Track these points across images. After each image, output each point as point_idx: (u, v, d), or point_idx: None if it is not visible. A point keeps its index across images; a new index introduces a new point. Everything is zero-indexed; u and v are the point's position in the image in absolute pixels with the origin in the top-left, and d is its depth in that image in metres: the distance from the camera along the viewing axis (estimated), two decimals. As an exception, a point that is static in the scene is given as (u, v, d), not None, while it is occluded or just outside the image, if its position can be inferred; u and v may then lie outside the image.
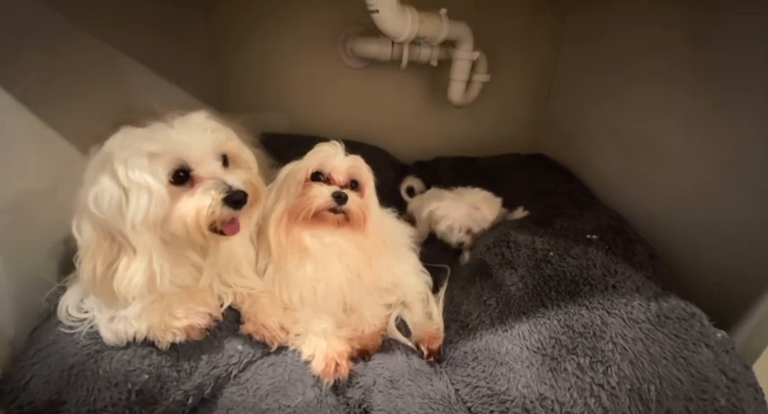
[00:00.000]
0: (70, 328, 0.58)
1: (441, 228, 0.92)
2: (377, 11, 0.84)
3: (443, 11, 0.98)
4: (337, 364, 0.62)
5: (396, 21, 0.87)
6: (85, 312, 0.59)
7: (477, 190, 0.99)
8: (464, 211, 0.90)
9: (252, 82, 1.27)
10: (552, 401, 0.54)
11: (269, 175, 0.94)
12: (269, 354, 0.65)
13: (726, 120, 0.73)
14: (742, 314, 0.63)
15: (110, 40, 0.83)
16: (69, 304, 0.59)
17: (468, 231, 0.91)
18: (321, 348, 0.64)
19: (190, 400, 0.57)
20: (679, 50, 0.82)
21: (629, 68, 0.96)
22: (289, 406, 0.57)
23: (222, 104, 1.24)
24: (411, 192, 1.14)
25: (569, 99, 1.24)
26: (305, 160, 0.72)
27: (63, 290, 0.61)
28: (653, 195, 0.87)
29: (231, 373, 0.61)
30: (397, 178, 1.18)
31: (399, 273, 0.78)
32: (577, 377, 0.55)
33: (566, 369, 0.56)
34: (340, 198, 0.68)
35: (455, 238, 0.91)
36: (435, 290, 0.81)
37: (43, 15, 0.67)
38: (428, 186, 1.12)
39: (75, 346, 0.57)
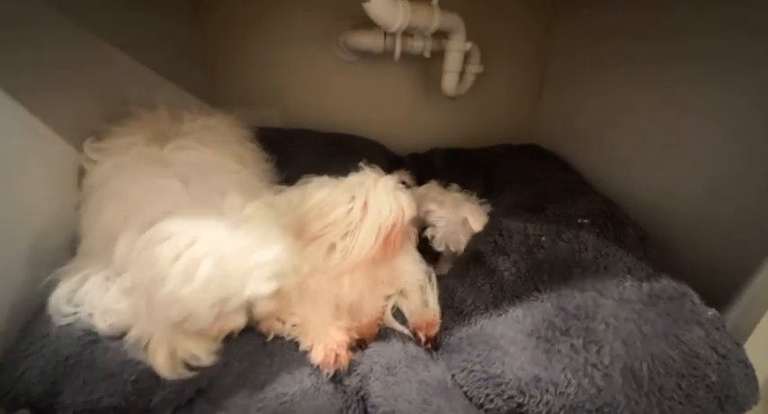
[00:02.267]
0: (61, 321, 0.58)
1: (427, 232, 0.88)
2: (368, 0, 0.84)
3: (435, 1, 0.98)
4: (337, 355, 0.62)
5: (387, 9, 0.87)
6: (76, 306, 0.59)
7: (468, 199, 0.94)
8: (453, 228, 0.85)
9: (245, 77, 1.26)
10: (547, 382, 0.54)
11: (263, 168, 0.94)
12: (265, 344, 0.65)
13: (719, 107, 0.73)
14: (733, 295, 0.64)
15: (104, 35, 0.82)
16: (60, 298, 0.59)
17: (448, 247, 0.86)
18: (320, 339, 0.64)
19: (186, 390, 0.57)
20: (674, 39, 0.83)
21: (624, 61, 0.96)
22: (285, 394, 0.58)
23: (216, 99, 1.24)
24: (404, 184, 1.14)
25: (563, 90, 1.24)
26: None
27: (54, 283, 0.61)
28: (646, 183, 0.88)
29: (229, 364, 0.60)
30: (392, 171, 1.17)
31: (399, 263, 0.78)
32: (571, 358, 0.55)
33: (559, 350, 0.56)
34: None
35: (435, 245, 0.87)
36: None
37: (37, 10, 0.67)
38: (421, 178, 1.12)
39: (70, 338, 0.57)
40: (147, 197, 0.60)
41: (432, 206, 0.87)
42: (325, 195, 0.69)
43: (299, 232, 0.69)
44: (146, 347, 0.55)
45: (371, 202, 0.67)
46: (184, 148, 0.74)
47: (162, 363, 0.54)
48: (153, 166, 0.69)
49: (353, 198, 0.68)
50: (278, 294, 0.61)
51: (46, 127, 0.68)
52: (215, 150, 0.77)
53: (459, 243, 0.85)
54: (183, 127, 0.80)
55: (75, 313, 0.59)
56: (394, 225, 0.68)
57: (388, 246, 0.69)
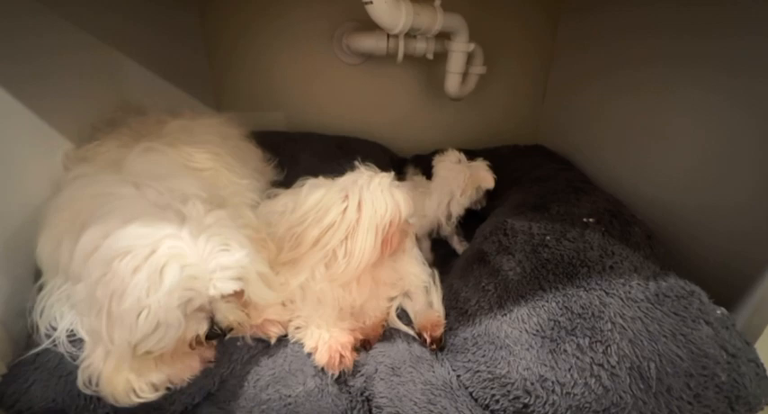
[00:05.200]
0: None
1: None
2: (371, 2, 0.84)
3: (437, 2, 0.98)
4: (341, 356, 0.62)
5: (390, 12, 0.87)
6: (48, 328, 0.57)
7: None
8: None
9: (248, 79, 1.27)
10: (553, 382, 0.54)
11: (262, 169, 0.94)
12: (269, 346, 0.65)
13: (723, 104, 0.72)
14: (743, 293, 0.63)
15: (106, 38, 0.83)
16: (37, 316, 0.57)
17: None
18: (324, 340, 0.64)
19: (195, 400, 0.58)
20: (676, 36, 0.82)
21: (629, 61, 0.95)
22: (290, 396, 0.58)
23: (218, 102, 1.25)
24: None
25: (566, 90, 1.23)
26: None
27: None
28: (652, 181, 0.87)
29: (234, 368, 0.61)
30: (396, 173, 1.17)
31: (403, 265, 0.78)
32: (577, 358, 0.55)
33: (565, 350, 0.56)
34: None
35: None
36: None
37: (38, 13, 0.68)
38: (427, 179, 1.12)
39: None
40: (99, 205, 0.57)
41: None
42: (319, 197, 0.68)
43: (297, 239, 0.68)
44: (100, 375, 0.53)
45: (366, 201, 0.66)
46: (149, 150, 0.71)
47: (120, 391, 0.52)
48: (107, 171, 0.66)
49: (347, 197, 0.67)
50: (242, 303, 0.60)
51: (52, 129, 0.69)
52: (187, 150, 0.75)
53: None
54: (164, 130, 0.79)
55: (50, 336, 0.57)
56: (391, 223, 0.67)
57: (385, 245, 0.68)
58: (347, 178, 0.71)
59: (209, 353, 0.60)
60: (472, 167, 0.95)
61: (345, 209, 0.66)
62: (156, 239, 0.52)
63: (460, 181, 0.93)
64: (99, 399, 0.53)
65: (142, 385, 0.54)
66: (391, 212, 0.66)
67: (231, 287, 0.55)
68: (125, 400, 0.53)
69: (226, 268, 0.54)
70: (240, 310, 0.60)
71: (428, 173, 1.08)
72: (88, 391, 0.53)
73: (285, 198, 0.76)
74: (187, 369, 0.57)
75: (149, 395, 0.54)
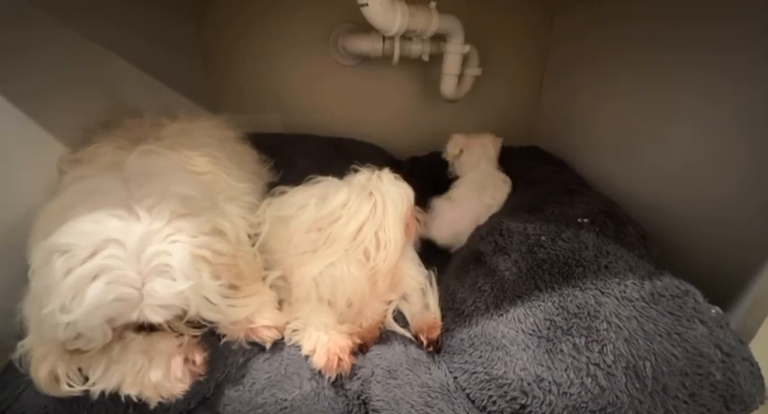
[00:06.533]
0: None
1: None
2: (366, 4, 0.84)
3: (433, 4, 0.99)
4: (340, 359, 0.62)
5: (385, 14, 0.87)
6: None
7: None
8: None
9: (245, 82, 1.27)
10: (549, 382, 0.54)
11: (251, 169, 0.93)
12: (264, 350, 0.65)
13: (715, 103, 0.73)
14: (738, 293, 0.63)
15: (101, 42, 0.83)
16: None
17: None
18: (322, 343, 0.63)
19: (191, 405, 0.57)
20: (667, 40, 0.83)
21: (620, 59, 0.96)
22: (285, 399, 0.57)
23: (215, 104, 1.25)
24: None
25: (561, 91, 1.24)
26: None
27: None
28: (647, 182, 0.87)
29: (229, 373, 0.61)
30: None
31: (400, 267, 0.78)
32: (573, 357, 0.55)
33: (562, 350, 0.56)
34: None
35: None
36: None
37: (35, 17, 0.68)
38: (422, 181, 1.12)
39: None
40: (81, 197, 0.55)
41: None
42: (346, 197, 0.73)
43: (331, 237, 0.71)
44: (30, 360, 0.51)
45: (386, 195, 0.72)
46: (149, 152, 0.69)
47: (43, 379, 0.50)
48: (106, 174, 0.63)
49: (372, 194, 0.72)
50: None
51: (45, 132, 0.69)
52: (187, 154, 0.75)
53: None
54: (162, 132, 0.78)
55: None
56: (407, 210, 0.74)
57: (407, 230, 0.74)
58: (358, 178, 0.76)
59: (200, 368, 0.58)
60: (481, 137, 1.10)
61: (374, 204, 0.71)
62: (100, 241, 0.49)
63: (489, 143, 1.07)
64: (92, 405, 0.52)
65: (70, 374, 0.52)
66: (406, 201, 0.74)
67: (161, 317, 0.52)
68: (49, 388, 0.51)
69: (159, 297, 0.51)
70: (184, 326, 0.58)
71: (425, 177, 1.09)
72: (21, 370, 0.52)
73: (303, 192, 0.78)
74: (177, 384, 0.55)
75: (79, 386, 0.52)
